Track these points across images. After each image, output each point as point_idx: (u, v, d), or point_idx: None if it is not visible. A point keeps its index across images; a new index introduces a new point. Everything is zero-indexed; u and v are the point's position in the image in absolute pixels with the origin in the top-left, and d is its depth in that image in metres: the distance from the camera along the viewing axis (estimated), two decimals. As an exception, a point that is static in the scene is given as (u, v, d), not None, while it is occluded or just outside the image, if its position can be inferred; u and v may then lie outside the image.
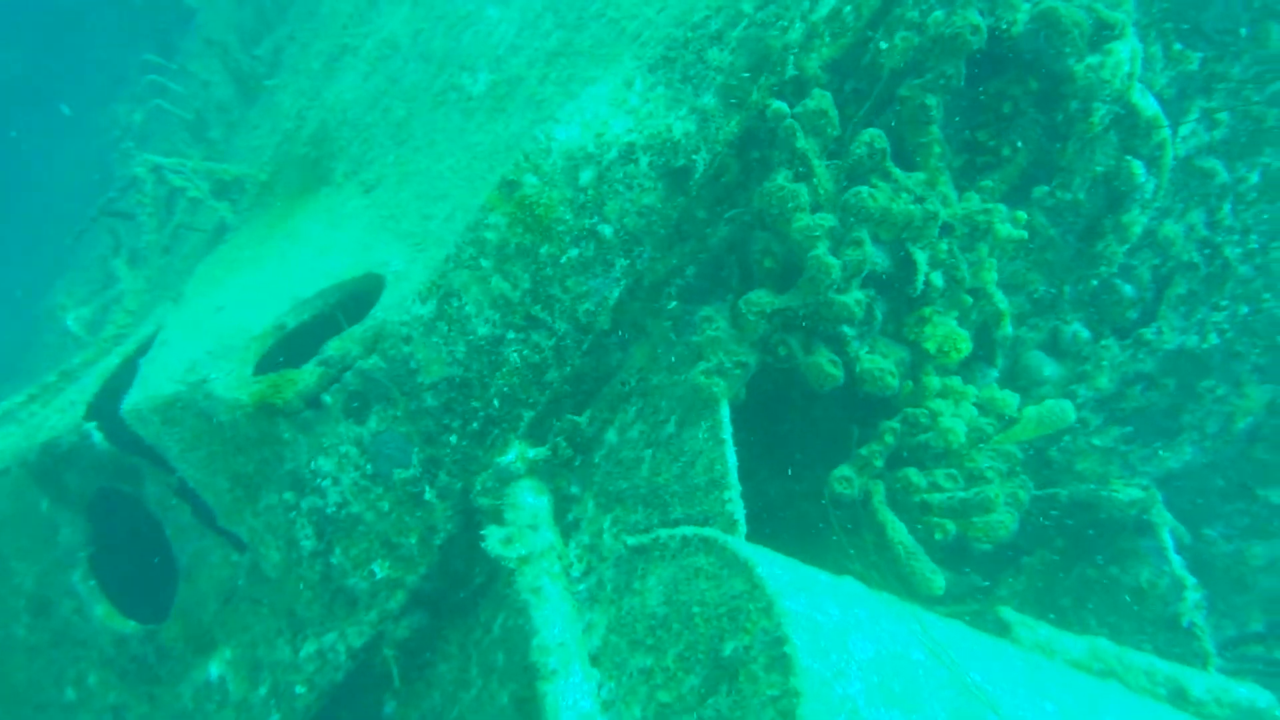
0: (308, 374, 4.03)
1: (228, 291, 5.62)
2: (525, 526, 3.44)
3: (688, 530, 3.01)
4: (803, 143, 3.18)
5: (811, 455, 3.79)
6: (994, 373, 3.60)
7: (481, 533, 3.47)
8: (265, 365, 4.50)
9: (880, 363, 3.25)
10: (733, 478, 3.10)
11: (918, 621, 2.90)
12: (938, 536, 3.35)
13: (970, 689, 2.66)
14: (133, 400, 4.44)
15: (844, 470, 3.36)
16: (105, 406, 5.05)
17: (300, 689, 4.17)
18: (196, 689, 4.58)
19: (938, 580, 3.15)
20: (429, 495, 3.86)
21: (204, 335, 4.87)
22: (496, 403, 3.74)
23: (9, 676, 5.31)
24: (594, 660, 3.12)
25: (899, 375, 3.28)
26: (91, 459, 4.70)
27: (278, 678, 4.28)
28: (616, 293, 3.53)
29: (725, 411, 3.23)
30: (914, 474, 3.30)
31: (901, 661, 2.63)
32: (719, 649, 2.67)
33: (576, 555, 3.53)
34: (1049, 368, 3.86)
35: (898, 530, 3.24)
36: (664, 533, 3.10)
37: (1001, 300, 3.46)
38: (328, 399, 3.98)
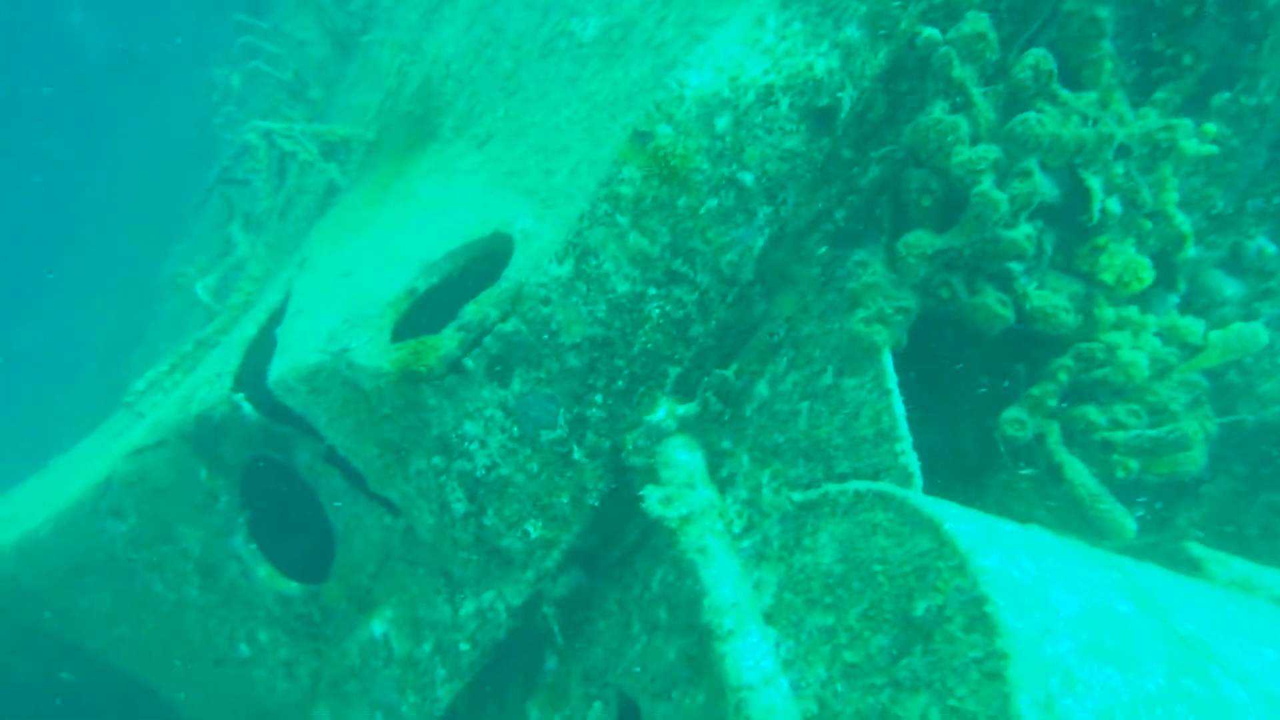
0: (447, 339, 4.03)
1: (351, 256, 5.67)
2: (683, 485, 3.41)
3: (860, 485, 2.93)
4: (959, 71, 2.98)
5: (968, 399, 3.65)
6: (1174, 298, 3.38)
7: (639, 493, 3.45)
8: (400, 331, 4.53)
9: (1052, 299, 3.08)
10: (903, 429, 3.00)
11: (1118, 570, 2.78)
12: (1119, 475, 3.20)
13: (1186, 640, 2.54)
14: (279, 371, 4.53)
15: (1015, 412, 3.22)
16: (250, 377, 5.18)
17: (464, 646, 4.28)
18: (362, 646, 4.74)
19: (1128, 523, 3.01)
20: (578, 455, 3.86)
21: (336, 303, 4.93)
22: (641, 360, 3.69)
23: (187, 634, 5.60)
24: (767, 619, 3.09)
25: (1073, 310, 3.10)
26: (243, 429, 4.84)
27: (440, 636, 4.39)
28: (761, 242, 3.41)
29: (888, 360, 3.12)
30: (1093, 411, 3.14)
31: (1109, 615, 2.52)
32: (908, 609, 2.60)
33: (735, 511, 3.49)
34: (1230, 287, 3.61)
35: (1078, 472, 3.10)
36: (833, 488, 3.02)
37: (1183, 222, 3.22)
38: (469, 363, 3.98)
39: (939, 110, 3.03)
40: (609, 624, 4.05)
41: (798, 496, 3.16)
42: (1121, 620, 2.54)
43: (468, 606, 4.28)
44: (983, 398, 3.59)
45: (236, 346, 5.61)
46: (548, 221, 4.28)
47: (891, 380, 3.08)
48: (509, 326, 3.88)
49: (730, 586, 3.11)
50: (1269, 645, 2.69)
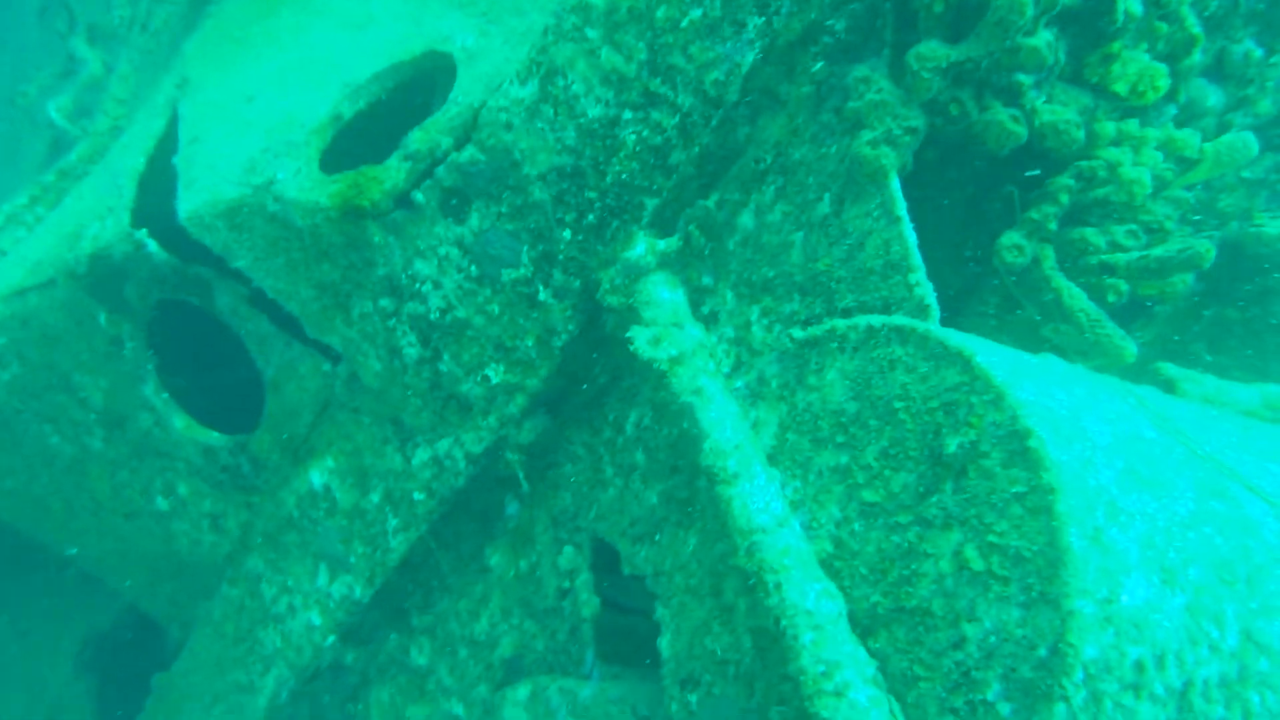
0: (393, 170, 3.65)
1: (250, 76, 5.04)
2: (669, 324, 3.22)
3: (872, 319, 2.80)
4: None
5: (953, 222, 3.52)
6: (1172, 109, 3.28)
7: (622, 334, 3.24)
8: (325, 162, 4.09)
9: (1063, 114, 2.93)
10: (916, 258, 2.86)
11: (1132, 394, 2.76)
12: (1110, 299, 3.16)
13: (1206, 461, 2.55)
14: (191, 206, 4.05)
15: (1013, 237, 3.12)
16: (148, 212, 4.65)
17: (419, 495, 4.09)
18: (300, 497, 4.50)
19: (1129, 347, 2.99)
20: (544, 295, 3.61)
21: (247, 129, 4.40)
22: (615, 191, 3.41)
23: (91, 488, 5.21)
24: (769, 460, 3.00)
25: (1083, 125, 2.96)
26: (149, 270, 4.37)
27: (390, 485, 4.19)
28: (750, 57, 3.12)
29: (896, 185, 2.94)
30: (1091, 233, 3.06)
31: (1139, 442, 2.51)
32: (937, 445, 2.52)
33: (723, 350, 3.34)
34: (1213, 95, 3.51)
35: (1076, 297, 3.05)
36: (840, 323, 2.89)
37: (1194, 23, 3.07)
38: (419, 197, 3.63)
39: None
40: (578, 469, 3.92)
41: (798, 333, 3.01)
42: (1149, 446, 2.53)
43: (421, 454, 4.07)
44: (960, 221, 3.47)
45: (124, 177, 5.00)
46: (494, 37, 3.85)
47: (901, 206, 2.91)
48: (465, 156, 3.51)
49: (731, 429, 2.98)
50: (1271, 460, 2.75)
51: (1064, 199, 3.07)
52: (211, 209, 3.98)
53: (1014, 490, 2.34)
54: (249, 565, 4.83)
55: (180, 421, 4.79)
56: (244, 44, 5.38)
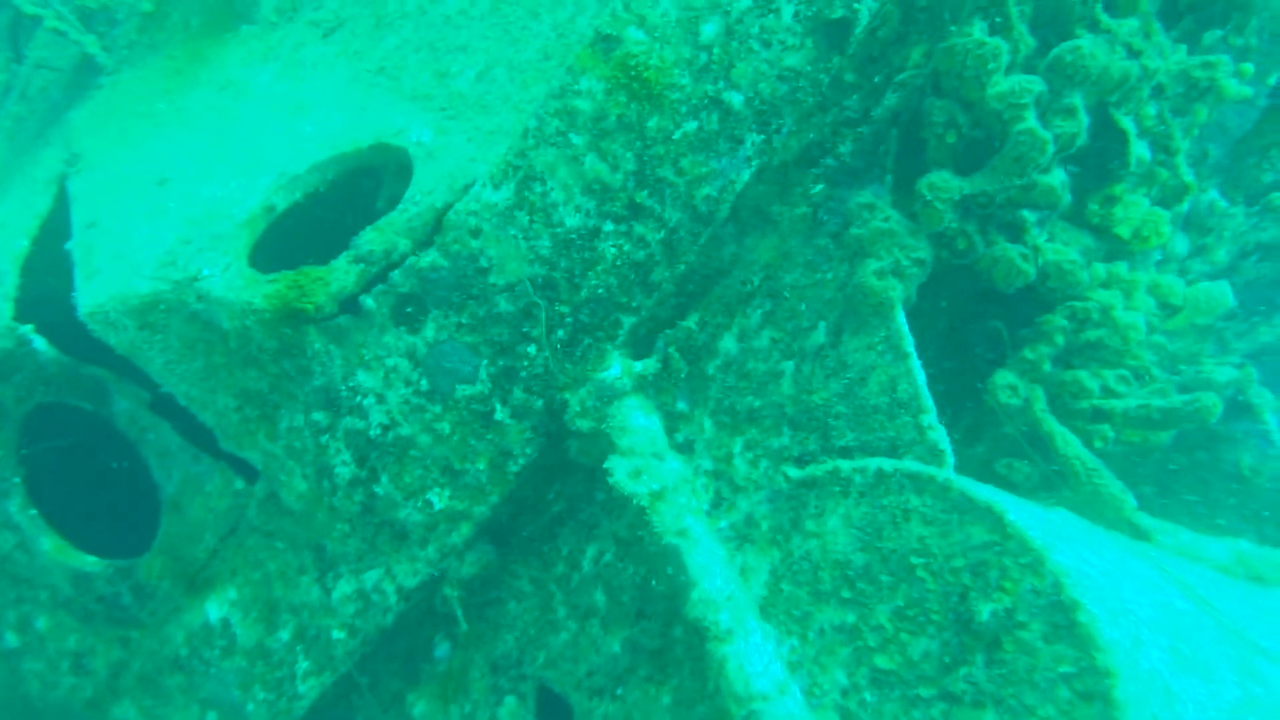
0: (341, 272, 3.31)
1: (159, 157, 4.65)
2: (649, 455, 2.94)
3: (881, 463, 2.59)
4: (1007, -14, 2.65)
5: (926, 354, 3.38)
6: (1157, 255, 3.26)
7: (599, 464, 2.94)
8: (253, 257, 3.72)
9: (1065, 253, 2.85)
10: (927, 399, 2.68)
11: (1145, 554, 2.61)
12: (1097, 445, 3.05)
13: (1234, 635, 2.39)
14: (94, 300, 3.60)
15: (1007, 376, 2.99)
16: (33, 303, 4.14)
17: (338, 634, 3.62)
18: (191, 633, 3.95)
19: (1129, 499, 2.86)
20: (501, 415, 3.28)
21: (160, 216, 3.99)
22: (589, 307, 3.15)
23: None
24: (762, 613, 2.72)
25: (1086, 266, 2.88)
26: (33, 370, 3.85)
27: (304, 620, 3.70)
28: (746, 175, 2.96)
29: (902, 319, 2.78)
30: (1085, 377, 2.96)
31: (1175, 615, 2.34)
32: (964, 610, 2.29)
33: (701, 484, 3.07)
34: (1180, 242, 3.54)
35: (1071, 444, 2.92)
36: (843, 464, 2.67)
37: (1187, 172, 3.07)
38: (369, 303, 3.29)
39: (979, 31, 2.67)
40: (523, 607, 3.54)
41: (793, 471, 2.78)
42: (1184, 619, 2.37)
43: (344, 587, 3.61)
44: (935, 352, 3.34)
45: (4, 261, 4.47)
46: (456, 135, 3.60)
47: (909, 342, 2.75)
48: (426, 260, 3.21)
49: (721, 577, 2.70)
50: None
51: (1059, 340, 2.98)
52: (119, 304, 3.53)
53: (1061, 670, 2.12)
54: (116, 714, 4.19)
55: (49, 543, 4.19)
56: (150, 120, 4.98)
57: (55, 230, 4.53)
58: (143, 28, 5.55)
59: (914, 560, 2.40)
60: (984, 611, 2.24)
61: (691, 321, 3.19)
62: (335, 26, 4.70)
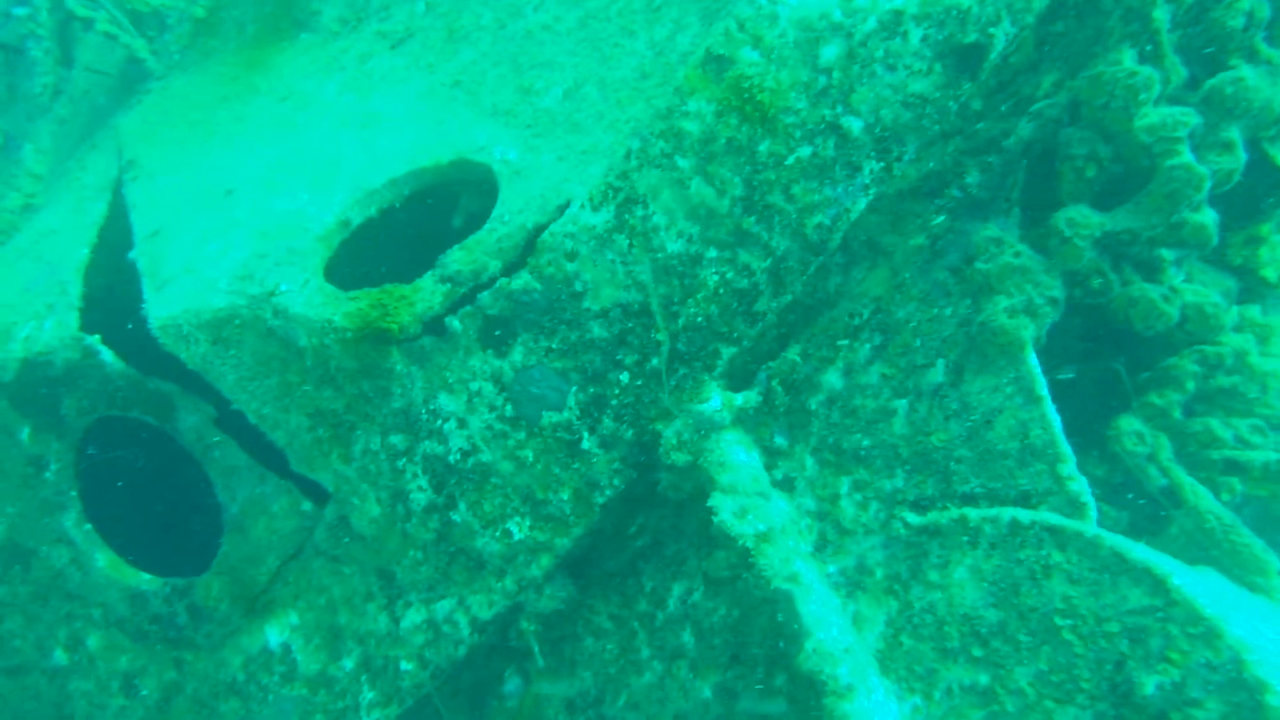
0: (427, 292, 3.19)
1: (220, 166, 4.54)
2: (753, 494, 2.79)
3: (1017, 514, 2.44)
4: (1160, 12, 2.50)
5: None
6: (1282, 296, 3.12)
7: (709, 504, 2.80)
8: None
9: (1207, 295, 2.70)
10: (1065, 446, 2.53)
11: None
12: (1224, 498, 2.89)
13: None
14: (166, 312, 3.48)
15: (1133, 423, 2.83)
16: (97, 314, 4.03)
17: (407, 664, 3.48)
18: (249, 657, 3.81)
19: (1271, 559, 2.70)
20: (588, 444, 3.15)
21: (230, 228, 3.88)
22: (687, 336, 3.02)
23: None
24: (879, 667, 2.57)
25: (1229, 309, 2.74)
26: (99, 383, 3.73)
27: (370, 650, 3.57)
28: (863, 204, 2.82)
29: (1034, 360, 2.63)
30: (1217, 426, 2.81)
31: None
32: (1123, 681, 2.14)
33: (804, 525, 2.93)
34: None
35: (1203, 497, 2.76)
36: (972, 513, 2.52)
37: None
38: (456, 324, 3.16)
39: (1129, 60, 2.53)
40: (602, 645, 3.40)
41: (913, 518, 2.63)
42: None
43: (414, 616, 3.48)
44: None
45: (66, 270, 4.36)
46: (545, 153, 3.47)
47: (1042, 385, 2.60)
48: (518, 283, 3.08)
49: (837, 626, 2.55)
50: None
51: (1189, 385, 2.82)
52: (193, 317, 3.41)
53: (1242, 749, 1.96)
54: (168, 738, 4.06)
55: (104, 559, 4.06)
56: (208, 129, 4.88)
57: (114, 239, 4.43)
58: (195, 33, 5.46)
59: (1059, 621, 2.25)
60: (1148, 684, 2.09)
61: (794, 353, 3.05)
62: (405, 38, 4.59)
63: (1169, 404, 2.82)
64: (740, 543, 2.71)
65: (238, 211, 3.99)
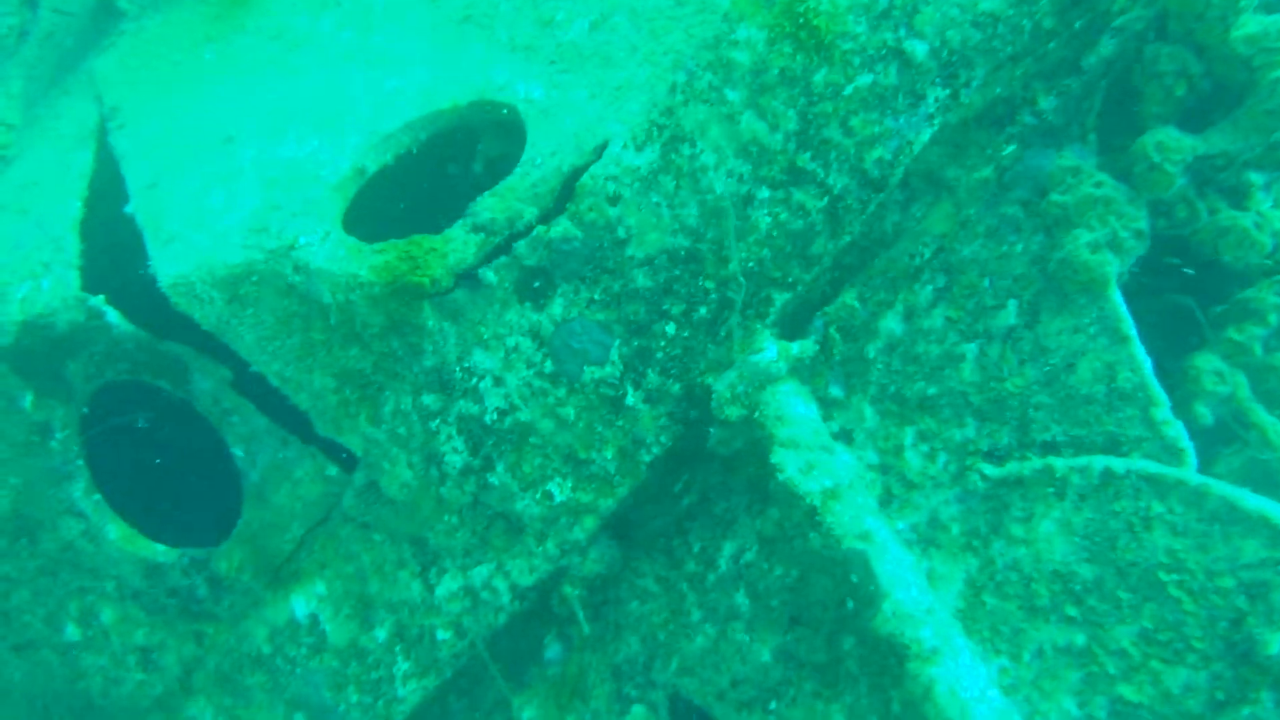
0: (459, 243, 2.99)
1: (214, 112, 4.29)
2: (817, 448, 2.64)
3: (1110, 462, 2.29)
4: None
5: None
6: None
7: (771, 460, 2.64)
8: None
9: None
10: (1157, 388, 2.38)
11: None
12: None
13: None
14: (177, 269, 3.27)
15: (1212, 360, 2.68)
16: (98, 271, 3.81)
17: (444, 634, 3.34)
18: (274, 629, 3.67)
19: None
20: (632, 400, 2.98)
21: (235, 178, 3.66)
22: (736, 282, 2.84)
23: None
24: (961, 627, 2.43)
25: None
26: (106, 345, 3.53)
27: (404, 619, 3.42)
28: (927, 135, 2.63)
29: (1119, 297, 2.47)
30: (1295, 364, 2.66)
31: None
32: (1241, 640, 2.00)
33: (868, 480, 2.78)
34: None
35: (1285, 440, 2.62)
36: (1058, 462, 2.37)
37: None
38: (490, 276, 2.97)
39: (1226, -35, 2.35)
40: (649, 608, 3.26)
41: (990, 469, 2.48)
42: None
43: (449, 583, 3.33)
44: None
45: (59, 226, 4.12)
46: (575, 90, 3.26)
47: (1128, 324, 2.44)
48: (558, 230, 2.89)
49: (916, 586, 2.40)
50: None
51: (1272, 319, 2.67)
52: (207, 275, 3.21)
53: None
54: (190, 713, 3.91)
55: (116, 531, 3.89)
56: (195, 72, 4.60)
57: (105, 190, 4.19)
58: (171, -31, 5.12)
59: (1163, 576, 2.11)
60: (1272, 643, 1.95)
61: (851, 298, 2.88)
62: (403, -31, 4.32)
63: (1249, 339, 2.67)
64: (807, 500, 2.56)
65: (241, 159, 3.76)
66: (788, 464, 2.57)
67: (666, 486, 3.25)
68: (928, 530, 2.56)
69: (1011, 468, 2.42)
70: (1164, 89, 2.48)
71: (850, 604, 2.58)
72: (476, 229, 2.96)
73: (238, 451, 3.50)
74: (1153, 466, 2.23)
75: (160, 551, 3.86)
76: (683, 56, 2.90)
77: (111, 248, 3.85)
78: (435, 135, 3.59)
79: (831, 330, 2.80)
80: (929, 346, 2.76)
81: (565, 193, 2.96)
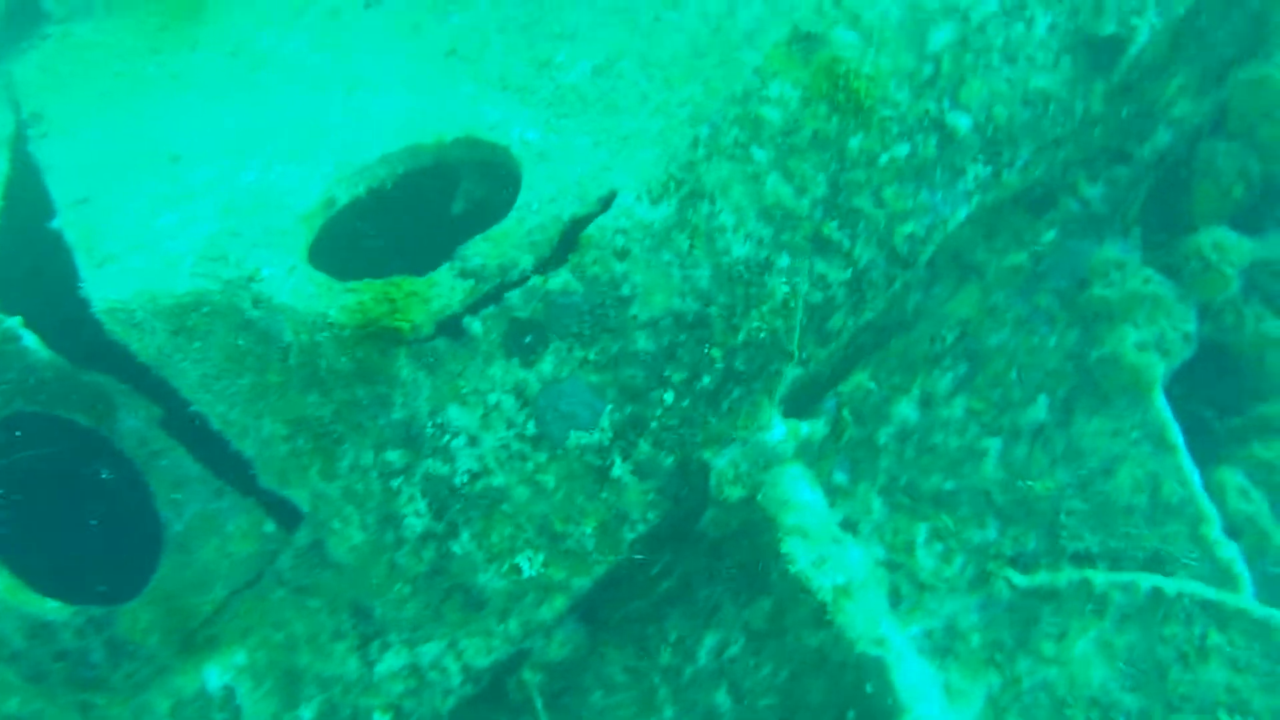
0: (445, 287, 2.73)
1: (157, 128, 3.95)
2: (827, 539, 2.43)
3: (1161, 582, 2.13)
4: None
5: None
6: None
7: (781, 550, 2.42)
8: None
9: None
10: (1207, 504, 2.23)
11: None
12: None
13: None
14: (114, 293, 2.92)
15: (1235, 477, 2.57)
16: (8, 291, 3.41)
17: (381, 717, 2.98)
18: (179, 702, 3.24)
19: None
20: (619, 471, 2.74)
21: (185, 199, 3.34)
22: (746, 353, 2.64)
23: None
24: (982, 747, 2.22)
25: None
26: (19, 372, 3.12)
27: (335, 696, 3.06)
28: (963, 214, 2.49)
29: (1163, 403, 2.34)
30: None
31: None
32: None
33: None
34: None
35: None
36: (1097, 576, 2.20)
37: None
38: (477, 326, 2.71)
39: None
40: (616, 701, 2.98)
41: (1018, 578, 2.29)
42: None
43: (392, 660, 2.99)
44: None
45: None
46: (576, 136, 3.05)
47: (1175, 431, 2.30)
48: (556, 283, 2.66)
49: (938, 703, 2.19)
50: None
51: (1298, 433, 2.58)
52: (149, 302, 2.86)
53: None
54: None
55: (2, 582, 3.42)
56: (136, 84, 4.25)
57: (22, 202, 3.79)
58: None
59: (1224, 717, 1.93)
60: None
61: (864, 379, 2.69)
62: (380, -8, 4.09)
63: (1278, 457, 2.57)
64: (819, 596, 2.33)
65: (191, 181, 3.44)
66: (800, 556, 2.34)
67: (643, 567, 2.99)
68: (943, 638, 2.36)
69: (1042, 578, 2.24)
70: (1220, 189, 2.40)
71: (851, 714, 2.35)
72: (465, 274, 2.71)
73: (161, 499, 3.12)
74: (1208, 591, 2.07)
75: (51, 608, 3.40)
76: (702, 109, 2.73)
77: (31, 265, 3.47)
78: (413, 171, 3.34)
79: (844, 412, 2.61)
80: (947, 438, 2.59)
81: (565, 243, 2.73)
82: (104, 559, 3.41)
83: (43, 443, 3.29)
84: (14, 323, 3.10)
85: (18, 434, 3.27)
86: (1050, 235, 2.53)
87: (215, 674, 3.20)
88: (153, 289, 2.88)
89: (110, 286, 2.94)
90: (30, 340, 3.09)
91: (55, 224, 3.38)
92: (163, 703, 3.27)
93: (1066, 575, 2.25)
